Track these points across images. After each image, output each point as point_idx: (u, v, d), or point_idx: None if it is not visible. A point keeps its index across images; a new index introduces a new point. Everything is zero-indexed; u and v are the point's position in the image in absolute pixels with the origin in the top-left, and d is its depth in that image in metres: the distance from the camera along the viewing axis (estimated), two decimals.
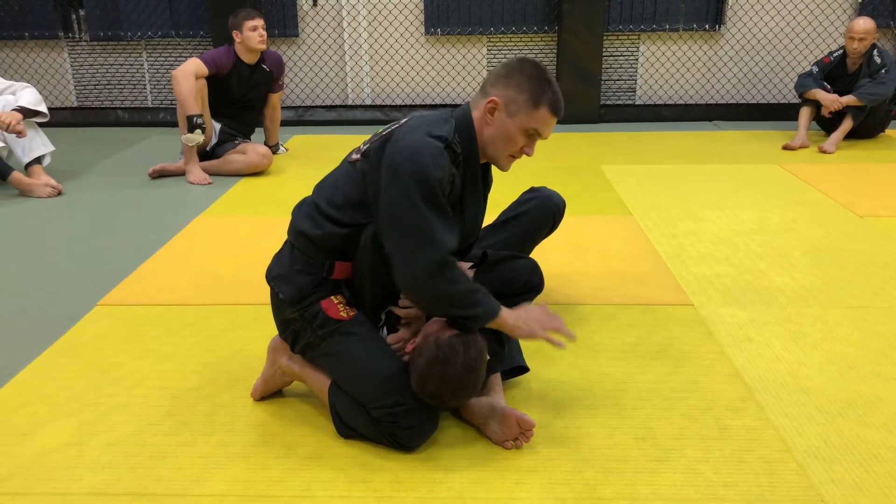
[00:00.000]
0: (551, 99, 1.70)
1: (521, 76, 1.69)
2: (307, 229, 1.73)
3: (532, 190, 2.29)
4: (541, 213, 2.24)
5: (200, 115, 3.98)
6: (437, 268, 1.58)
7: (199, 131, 3.97)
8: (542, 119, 1.71)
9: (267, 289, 1.83)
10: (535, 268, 1.90)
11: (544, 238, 2.31)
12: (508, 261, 1.86)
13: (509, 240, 2.17)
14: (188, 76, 3.95)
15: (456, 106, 5.99)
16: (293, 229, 1.79)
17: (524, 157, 1.80)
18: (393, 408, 1.65)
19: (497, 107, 1.70)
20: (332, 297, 1.73)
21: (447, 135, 1.66)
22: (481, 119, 1.73)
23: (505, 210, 2.28)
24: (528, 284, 1.87)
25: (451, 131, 1.68)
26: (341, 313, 1.73)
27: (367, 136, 1.79)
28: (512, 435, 1.70)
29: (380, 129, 1.78)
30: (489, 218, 2.28)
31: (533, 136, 1.73)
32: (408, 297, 1.69)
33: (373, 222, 1.68)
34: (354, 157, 1.75)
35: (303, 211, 1.79)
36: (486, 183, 1.87)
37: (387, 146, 1.66)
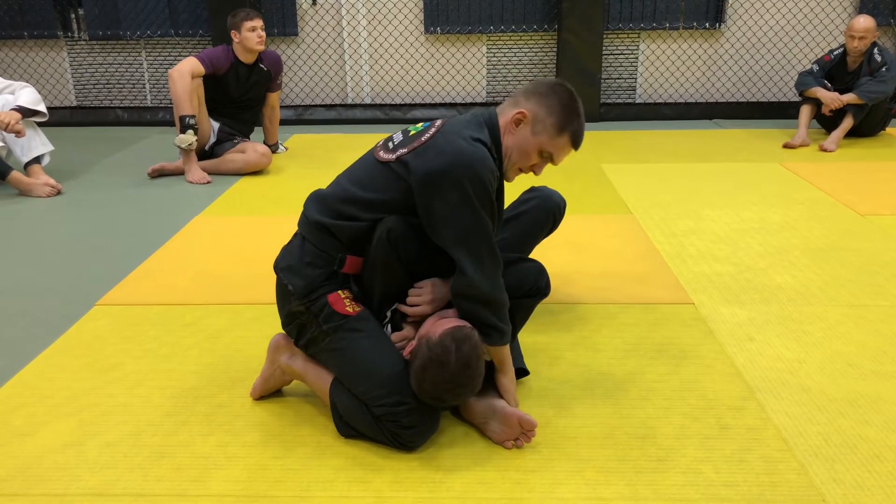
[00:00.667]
0: (575, 130, 1.75)
1: (554, 98, 1.73)
2: (326, 220, 1.72)
3: (532, 189, 2.29)
4: (541, 212, 2.23)
5: (193, 116, 3.97)
6: (500, 277, 1.68)
7: (190, 132, 3.96)
8: (560, 146, 1.75)
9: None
10: (542, 271, 1.89)
11: (545, 237, 2.31)
12: (516, 263, 1.85)
13: (509, 240, 2.16)
14: (184, 75, 3.94)
15: (461, 105, 5.95)
16: (307, 221, 1.77)
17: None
18: (395, 406, 1.64)
19: (524, 119, 1.73)
20: (340, 292, 1.73)
21: (486, 141, 1.70)
22: (506, 127, 1.75)
23: (505, 210, 2.27)
24: (535, 287, 1.86)
25: (488, 138, 1.71)
26: (347, 308, 1.72)
27: (370, 135, 1.79)
28: (513, 435, 1.69)
29: (410, 128, 1.77)
30: None
31: (546, 158, 1.77)
32: (465, 301, 1.68)
33: (387, 217, 1.68)
34: (385, 156, 1.72)
35: (321, 203, 1.77)
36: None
37: (428, 153, 1.65)
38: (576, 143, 1.77)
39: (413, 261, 1.72)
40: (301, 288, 1.73)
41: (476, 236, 1.64)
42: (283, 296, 1.79)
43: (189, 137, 3.97)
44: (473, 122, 1.74)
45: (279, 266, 1.80)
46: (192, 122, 3.96)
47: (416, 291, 1.76)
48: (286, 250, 1.82)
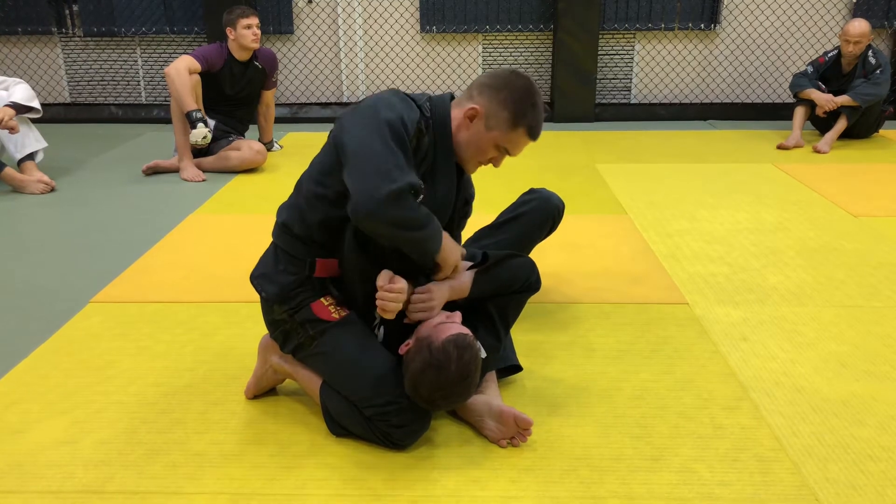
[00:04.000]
0: (530, 123, 1.70)
1: (507, 92, 1.68)
2: (288, 219, 1.74)
3: (531, 191, 2.29)
4: (540, 214, 2.24)
5: (199, 110, 3.96)
6: (399, 194, 1.50)
7: (201, 125, 3.93)
8: (516, 139, 1.72)
9: None
10: (532, 266, 1.88)
11: (543, 239, 2.31)
12: (507, 260, 1.85)
13: (508, 241, 2.16)
14: (181, 72, 3.93)
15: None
16: (276, 226, 1.79)
17: (512, 159, 1.84)
18: (385, 406, 1.64)
19: (477, 115, 1.70)
20: (322, 300, 1.73)
21: (417, 100, 1.69)
22: (460, 120, 1.72)
23: (504, 211, 2.28)
24: (526, 283, 1.86)
25: (424, 101, 1.71)
26: (333, 315, 1.72)
27: None
28: (509, 433, 1.70)
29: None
30: (487, 218, 2.28)
31: (503, 152, 1.75)
32: (362, 225, 1.56)
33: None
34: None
35: (286, 205, 1.80)
36: (462, 180, 1.85)
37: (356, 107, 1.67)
38: (532, 134, 1.72)
39: (385, 258, 1.70)
40: (275, 294, 1.73)
41: (375, 158, 1.51)
42: (265, 304, 1.80)
43: (202, 131, 3.93)
44: (412, 94, 1.73)
45: (253, 275, 1.81)
46: (199, 115, 3.94)
47: (420, 297, 1.71)
48: (262, 260, 1.83)
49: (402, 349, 1.68)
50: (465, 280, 1.78)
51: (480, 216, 1.98)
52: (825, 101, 4.65)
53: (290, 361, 1.82)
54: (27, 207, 3.60)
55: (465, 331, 1.65)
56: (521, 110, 1.68)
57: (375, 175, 1.50)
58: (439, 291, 1.74)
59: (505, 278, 1.79)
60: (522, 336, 2.20)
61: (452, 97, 1.77)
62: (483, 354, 1.68)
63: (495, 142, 1.71)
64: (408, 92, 1.73)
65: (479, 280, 1.78)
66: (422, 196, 1.60)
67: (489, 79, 1.72)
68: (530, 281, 1.87)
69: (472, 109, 1.69)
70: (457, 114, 1.73)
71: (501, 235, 2.19)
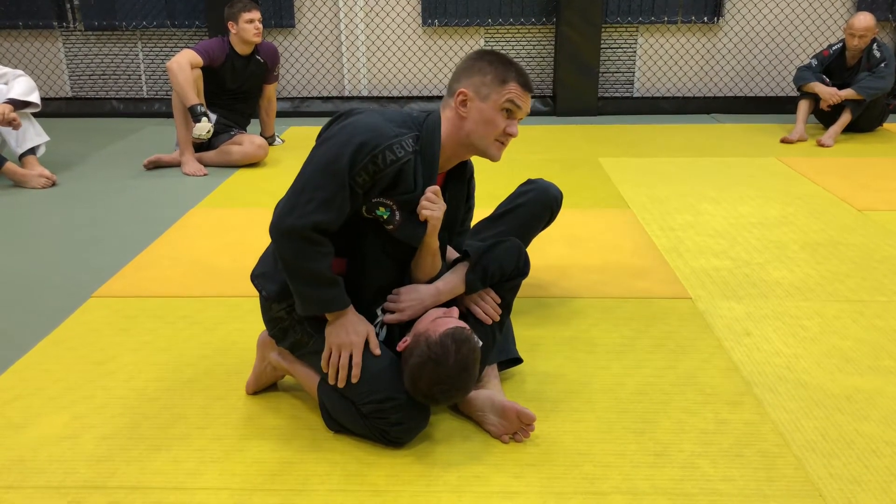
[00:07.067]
0: (516, 74, 1.68)
1: (481, 62, 1.69)
2: None
3: (529, 182, 2.28)
4: (537, 205, 2.23)
5: (202, 104, 3.96)
6: (297, 235, 1.60)
7: (205, 119, 3.93)
8: (514, 92, 1.67)
9: None
10: (519, 249, 1.84)
11: (542, 230, 2.30)
12: (494, 247, 1.82)
13: (506, 233, 2.15)
14: (183, 67, 3.92)
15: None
16: None
17: (518, 145, 1.79)
18: (383, 402, 1.63)
19: (468, 97, 1.68)
20: None
21: (400, 130, 1.64)
22: (454, 117, 1.69)
23: (502, 202, 2.27)
24: (516, 269, 1.83)
25: (413, 129, 1.67)
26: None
27: None
28: (512, 429, 1.69)
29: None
30: (486, 211, 2.27)
31: (512, 111, 1.69)
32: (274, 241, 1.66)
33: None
34: None
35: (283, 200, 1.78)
36: (462, 184, 1.84)
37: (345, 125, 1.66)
38: (524, 84, 1.68)
39: (402, 252, 1.71)
40: (275, 293, 1.72)
41: (303, 185, 1.64)
42: (264, 302, 1.79)
43: (206, 125, 3.94)
44: (404, 117, 1.69)
45: (254, 274, 1.80)
46: (202, 109, 3.94)
47: (392, 297, 1.76)
48: (262, 258, 1.82)
49: (401, 346, 1.67)
50: (454, 280, 1.77)
51: (481, 209, 1.97)
52: (829, 94, 4.63)
53: (289, 358, 1.82)
54: (28, 202, 3.60)
55: (463, 325, 1.65)
56: (502, 68, 1.68)
57: (287, 203, 1.64)
58: (411, 294, 1.75)
59: (495, 269, 1.78)
60: (524, 331, 2.19)
61: None
62: (480, 343, 1.67)
63: (498, 105, 1.67)
64: (398, 115, 1.70)
65: (471, 277, 1.77)
66: (396, 222, 1.65)
67: (459, 66, 1.73)
68: (519, 265, 1.84)
69: (461, 94, 1.68)
70: (448, 114, 1.71)
71: (500, 227, 2.18)
